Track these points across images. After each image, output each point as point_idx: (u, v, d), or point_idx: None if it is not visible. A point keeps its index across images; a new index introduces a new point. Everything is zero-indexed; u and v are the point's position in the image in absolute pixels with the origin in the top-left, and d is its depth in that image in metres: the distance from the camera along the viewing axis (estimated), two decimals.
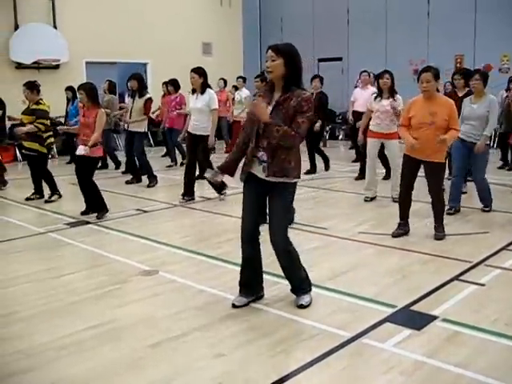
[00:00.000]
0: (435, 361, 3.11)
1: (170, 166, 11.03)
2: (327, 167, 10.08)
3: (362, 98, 9.41)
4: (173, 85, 10.90)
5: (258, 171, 3.73)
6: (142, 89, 8.90)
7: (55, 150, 12.86)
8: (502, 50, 13.03)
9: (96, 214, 6.73)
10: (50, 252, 5.49)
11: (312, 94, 8.72)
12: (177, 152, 11.19)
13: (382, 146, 7.45)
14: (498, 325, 3.57)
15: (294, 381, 2.95)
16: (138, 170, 9.24)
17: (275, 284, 4.27)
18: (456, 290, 4.19)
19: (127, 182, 9.21)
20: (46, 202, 7.72)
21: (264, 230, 3.92)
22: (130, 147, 9.13)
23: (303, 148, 5.76)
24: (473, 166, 6.58)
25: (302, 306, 3.87)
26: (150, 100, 8.93)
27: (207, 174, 4.13)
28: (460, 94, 7.19)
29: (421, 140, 5.33)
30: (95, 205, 6.78)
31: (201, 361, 3.17)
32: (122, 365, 3.15)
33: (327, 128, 15.10)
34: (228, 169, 3.91)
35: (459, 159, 6.56)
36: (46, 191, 7.89)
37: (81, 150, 6.54)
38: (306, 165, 8.65)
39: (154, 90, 12.24)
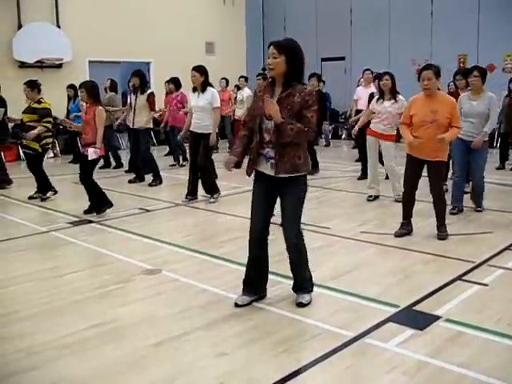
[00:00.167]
0: (438, 361, 3.10)
1: (173, 165, 11.03)
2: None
3: (365, 96, 9.39)
4: (174, 83, 10.84)
5: (266, 169, 3.72)
6: (143, 85, 8.88)
7: (58, 149, 12.89)
8: (505, 49, 13.02)
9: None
10: (53, 251, 5.50)
11: None
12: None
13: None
14: (501, 325, 3.56)
15: (296, 380, 2.95)
16: (141, 169, 9.24)
17: (278, 283, 4.27)
18: (459, 290, 4.18)
19: (130, 181, 9.21)
20: (42, 199, 7.70)
21: (272, 230, 3.92)
22: (135, 145, 9.13)
23: None
24: (472, 164, 6.57)
25: (301, 304, 3.86)
26: (152, 95, 8.90)
27: (227, 157, 3.97)
28: (462, 94, 7.16)
29: (422, 138, 5.31)
30: (94, 203, 6.77)
31: (203, 360, 3.16)
32: (124, 364, 3.15)
33: (330, 128, 15.08)
34: (237, 157, 3.85)
35: (460, 159, 6.54)
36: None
37: (92, 154, 6.48)
38: None
39: (157, 89, 12.22)
